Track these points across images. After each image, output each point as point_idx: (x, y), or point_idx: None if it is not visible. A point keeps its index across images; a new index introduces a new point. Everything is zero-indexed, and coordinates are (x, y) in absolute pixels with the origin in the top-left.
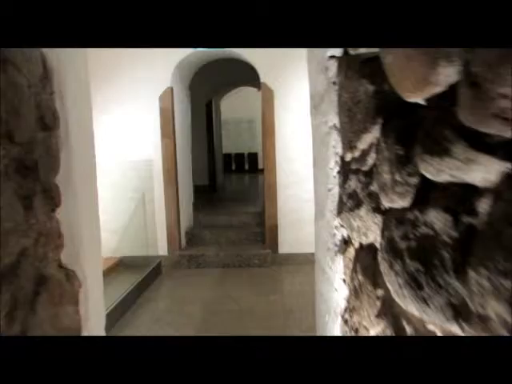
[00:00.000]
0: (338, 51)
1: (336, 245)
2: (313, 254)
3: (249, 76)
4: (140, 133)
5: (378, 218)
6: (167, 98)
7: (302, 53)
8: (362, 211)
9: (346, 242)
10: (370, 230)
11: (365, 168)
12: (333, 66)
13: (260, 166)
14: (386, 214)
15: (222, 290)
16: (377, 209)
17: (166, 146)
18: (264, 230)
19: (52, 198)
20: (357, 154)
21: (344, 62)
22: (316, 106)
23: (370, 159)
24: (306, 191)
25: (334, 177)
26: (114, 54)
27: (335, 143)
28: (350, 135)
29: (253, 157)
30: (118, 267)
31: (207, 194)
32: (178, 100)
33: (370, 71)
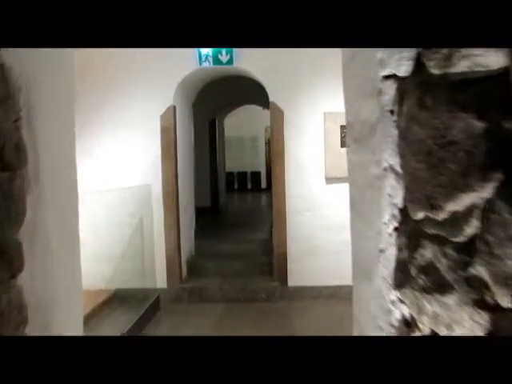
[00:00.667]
0: (402, 69)
1: (393, 325)
2: (326, 288)
3: (255, 94)
4: (139, 154)
5: (484, 318)
6: (169, 116)
7: (313, 72)
8: (451, 299)
9: (409, 324)
10: (460, 324)
11: (458, 239)
12: (389, 89)
13: (263, 185)
14: (502, 315)
15: (226, 330)
16: (482, 304)
17: (167, 167)
18: (272, 260)
19: (10, 262)
20: (441, 215)
21: (413, 84)
22: (360, 139)
23: (469, 228)
24: (319, 217)
25: (390, 235)
26: (111, 69)
27: (392, 191)
28: (428, 188)
29: (256, 175)
30: (112, 302)
31: (209, 217)
32: (181, 119)
33: (478, 100)
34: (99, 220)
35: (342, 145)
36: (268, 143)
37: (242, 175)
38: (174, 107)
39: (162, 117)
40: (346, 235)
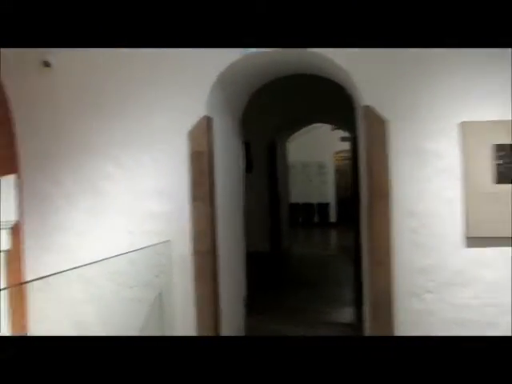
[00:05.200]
0: None
1: None
2: None
3: (330, 106)
4: (155, 193)
5: None
6: (201, 134)
7: (440, 57)
8: None
9: None
10: None
11: None
12: None
13: (332, 219)
14: None
15: None
16: None
17: (199, 213)
18: None
19: None
20: None
21: None
22: None
23: None
24: (452, 304)
25: None
26: (123, 75)
27: None
28: None
29: (323, 208)
30: None
31: (268, 272)
32: (222, 138)
33: None
34: (100, 289)
35: (500, 179)
36: (338, 171)
37: (308, 207)
38: (209, 120)
39: (191, 134)
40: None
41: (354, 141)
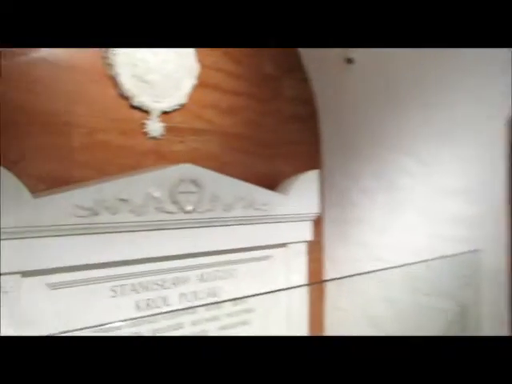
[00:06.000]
0: None
1: None
2: None
3: None
4: (458, 193)
5: None
6: None
7: None
8: None
9: None
10: None
11: None
12: None
13: None
14: None
15: None
16: None
17: None
18: None
19: None
20: None
21: None
22: None
23: None
24: None
25: None
26: (423, 67)
27: None
28: None
29: None
30: None
31: None
32: None
33: None
34: (397, 297)
35: None
36: None
37: None
38: None
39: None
40: None
41: None
